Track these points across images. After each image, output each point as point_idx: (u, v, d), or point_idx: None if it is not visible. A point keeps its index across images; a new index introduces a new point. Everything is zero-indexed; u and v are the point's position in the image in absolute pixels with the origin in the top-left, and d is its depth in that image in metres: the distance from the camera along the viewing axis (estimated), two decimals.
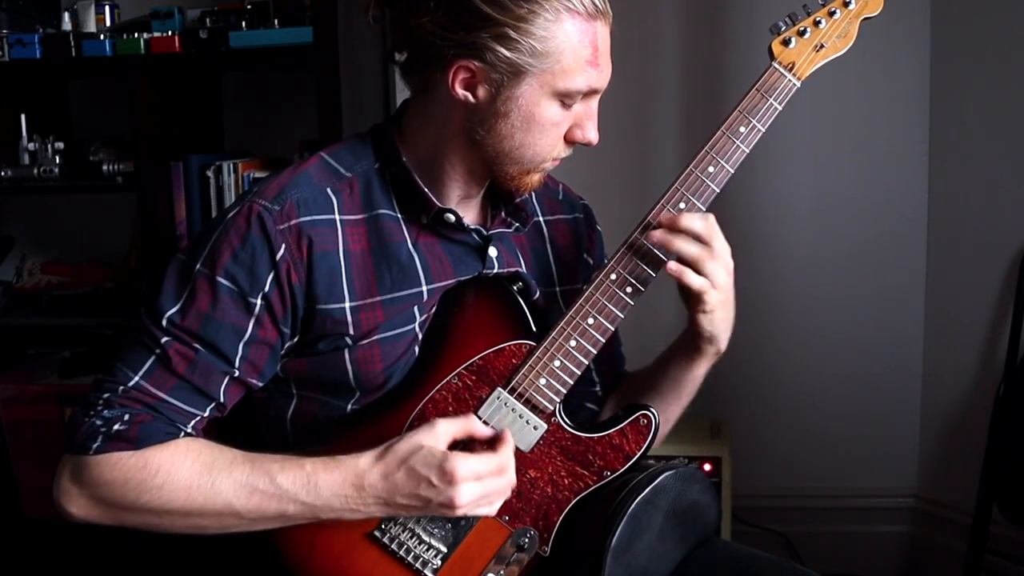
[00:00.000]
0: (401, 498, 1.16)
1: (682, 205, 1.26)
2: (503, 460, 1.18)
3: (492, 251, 1.32)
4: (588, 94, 1.23)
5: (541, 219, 1.42)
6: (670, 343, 1.39)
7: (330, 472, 1.16)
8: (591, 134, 1.26)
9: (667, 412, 1.39)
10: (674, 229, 1.23)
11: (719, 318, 1.30)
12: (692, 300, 1.27)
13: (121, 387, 1.18)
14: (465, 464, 1.14)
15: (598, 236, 1.49)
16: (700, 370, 1.37)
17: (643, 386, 1.42)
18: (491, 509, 1.20)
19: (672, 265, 1.24)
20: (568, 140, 1.26)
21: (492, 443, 1.20)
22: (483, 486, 1.16)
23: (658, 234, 1.24)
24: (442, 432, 1.17)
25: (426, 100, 1.27)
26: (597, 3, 1.20)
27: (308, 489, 1.16)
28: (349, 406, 1.27)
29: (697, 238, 1.24)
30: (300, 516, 1.17)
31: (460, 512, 1.16)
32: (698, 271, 1.24)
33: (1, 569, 2.38)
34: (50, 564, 2.34)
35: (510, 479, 1.19)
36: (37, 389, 2.35)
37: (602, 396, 1.47)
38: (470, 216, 1.33)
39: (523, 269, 1.36)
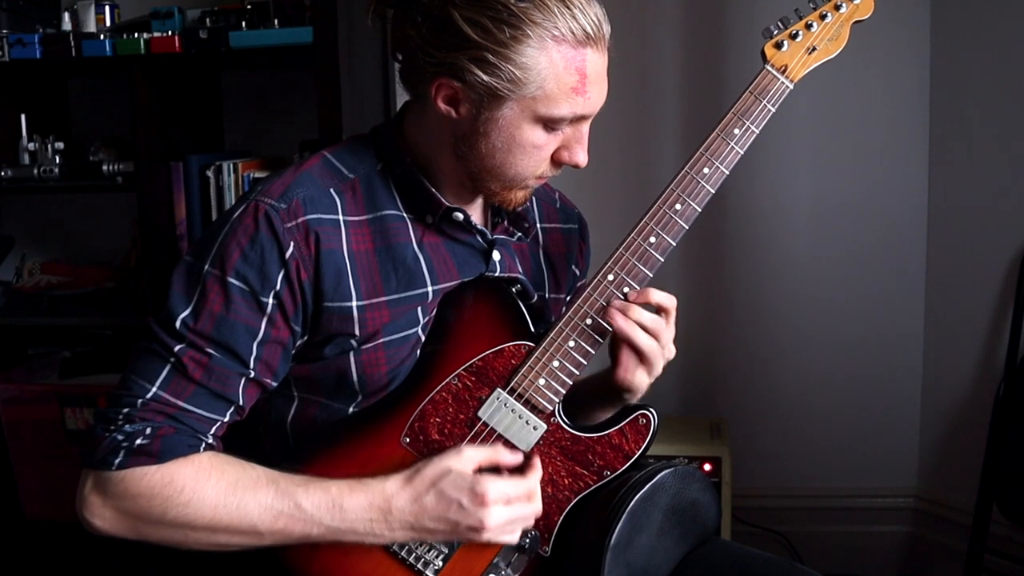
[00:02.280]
0: (429, 521, 1.16)
1: (678, 206, 1.26)
2: (532, 485, 1.19)
3: (496, 255, 1.32)
4: (577, 119, 1.22)
5: (538, 226, 1.42)
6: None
7: (356, 495, 1.16)
8: (579, 157, 1.24)
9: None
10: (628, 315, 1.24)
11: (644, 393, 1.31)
12: (629, 386, 1.27)
13: (139, 400, 1.17)
14: (495, 487, 1.15)
15: (588, 250, 1.49)
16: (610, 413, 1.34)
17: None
18: (513, 537, 1.20)
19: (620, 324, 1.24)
20: (555, 161, 1.25)
21: (519, 469, 1.20)
22: (512, 510, 1.16)
23: (617, 323, 1.23)
24: (469, 457, 1.18)
25: (421, 107, 1.26)
26: (588, 29, 1.16)
27: (333, 513, 1.16)
28: (351, 408, 1.27)
29: (647, 329, 1.24)
30: (323, 538, 1.17)
31: (487, 536, 1.16)
32: (642, 358, 1.25)
33: (1, 569, 2.39)
34: (50, 564, 2.34)
35: (536, 507, 1.20)
36: (37, 389, 2.35)
37: None
38: (475, 216, 1.33)
39: (522, 274, 1.36)
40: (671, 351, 1.28)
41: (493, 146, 1.21)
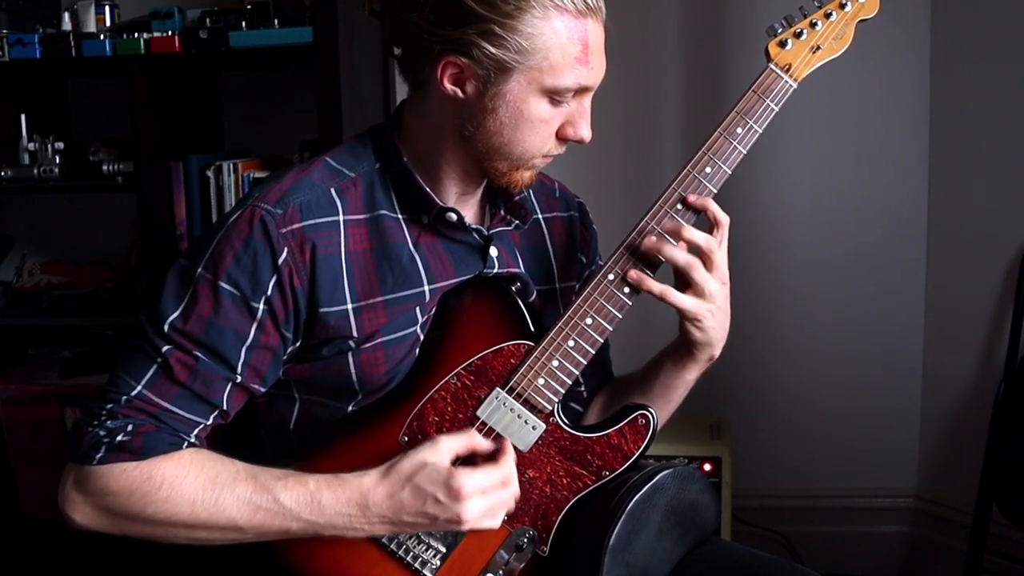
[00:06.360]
0: (407, 516, 1.16)
1: (679, 206, 1.26)
2: (506, 472, 1.18)
3: (493, 251, 1.32)
4: (580, 92, 1.23)
5: (540, 216, 1.43)
6: (667, 344, 1.39)
7: (334, 490, 1.16)
8: (583, 132, 1.25)
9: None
10: (676, 237, 1.24)
11: (710, 327, 1.28)
12: (681, 311, 1.27)
13: (124, 397, 1.17)
14: (470, 479, 1.14)
15: (592, 236, 1.49)
16: (691, 375, 1.37)
17: (632, 389, 1.42)
18: (495, 523, 1.19)
19: (656, 287, 1.24)
20: (560, 137, 1.25)
21: (494, 455, 1.20)
22: (488, 499, 1.16)
23: (649, 241, 1.24)
24: (445, 448, 1.17)
25: (421, 96, 1.27)
26: (589, 0, 1.19)
27: (311, 508, 1.16)
28: (350, 407, 1.27)
29: (696, 249, 1.24)
30: (302, 533, 1.17)
31: (466, 527, 1.16)
32: (687, 279, 1.24)
33: (1, 569, 2.39)
34: (50, 564, 2.34)
35: (513, 490, 1.19)
36: (37, 389, 2.35)
37: (587, 398, 1.47)
38: (469, 214, 1.33)
39: (522, 269, 1.36)
40: (723, 274, 1.26)
41: (501, 122, 1.21)
